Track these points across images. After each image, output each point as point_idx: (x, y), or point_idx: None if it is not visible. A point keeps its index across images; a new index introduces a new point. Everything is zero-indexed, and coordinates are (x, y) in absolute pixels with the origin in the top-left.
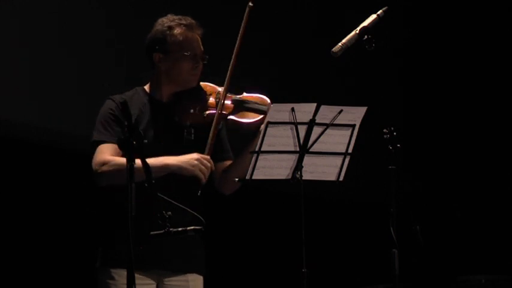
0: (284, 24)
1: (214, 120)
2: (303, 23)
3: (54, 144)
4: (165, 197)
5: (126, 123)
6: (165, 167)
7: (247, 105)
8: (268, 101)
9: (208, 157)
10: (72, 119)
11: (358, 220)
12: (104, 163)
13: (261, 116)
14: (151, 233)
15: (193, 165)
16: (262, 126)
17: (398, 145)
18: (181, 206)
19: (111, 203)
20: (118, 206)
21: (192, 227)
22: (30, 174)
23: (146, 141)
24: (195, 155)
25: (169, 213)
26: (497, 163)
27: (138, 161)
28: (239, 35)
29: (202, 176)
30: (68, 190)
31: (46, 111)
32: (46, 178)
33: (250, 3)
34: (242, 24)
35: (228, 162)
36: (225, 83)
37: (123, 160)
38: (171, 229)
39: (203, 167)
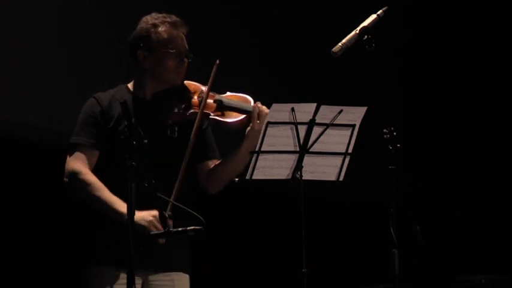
0: (284, 24)
1: (197, 120)
2: (303, 23)
3: (54, 144)
4: (165, 197)
5: (126, 123)
6: (119, 215)
7: (229, 104)
8: (251, 100)
9: (155, 212)
10: (72, 119)
11: (358, 220)
12: (76, 173)
13: (243, 116)
14: (151, 233)
15: (149, 221)
16: (263, 127)
17: (398, 145)
18: (181, 206)
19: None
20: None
21: (192, 227)
22: (30, 174)
23: (146, 141)
24: (152, 212)
25: (169, 213)
26: (497, 163)
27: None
28: (207, 87)
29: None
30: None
31: (46, 111)
32: (46, 178)
33: (218, 61)
34: (210, 80)
35: (214, 162)
36: (209, 83)
37: (93, 183)
38: (171, 229)
39: (156, 227)
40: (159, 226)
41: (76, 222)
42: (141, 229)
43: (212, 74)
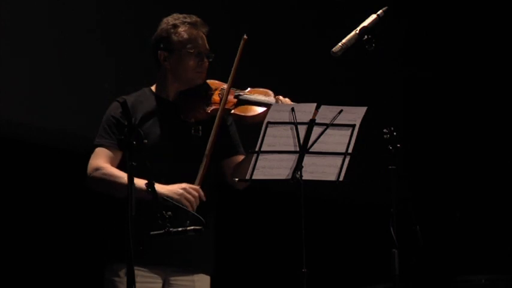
0: (284, 24)
1: (218, 116)
2: (303, 23)
3: (54, 144)
4: (165, 197)
5: (126, 123)
6: (140, 191)
7: (249, 99)
8: (272, 93)
9: (197, 187)
10: (72, 119)
11: (358, 220)
12: (97, 169)
13: (265, 109)
14: (152, 233)
15: (179, 194)
16: (263, 127)
17: (398, 145)
18: (181, 205)
19: (117, 201)
20: (123, 204)
21: (192, 227)
22: (30, 174)
23: (146, 141)
24: (182, 185)
25: (170, 213)
26: (497, 163)
27: (137, 182)
28: (233, 67)
29: (188, 205)
30: (68, 190)
31: (46, 111)
32: (46, 178)
33: (245, 36)
34: (237, 57)
35: (240, 157)
36: (228, 81)
37: (116, 172)
38: (171, 229)
39: (189, 196)
40: (195, 194)
41: (95, 219)
42: (174, 203)
43: (239, 49)
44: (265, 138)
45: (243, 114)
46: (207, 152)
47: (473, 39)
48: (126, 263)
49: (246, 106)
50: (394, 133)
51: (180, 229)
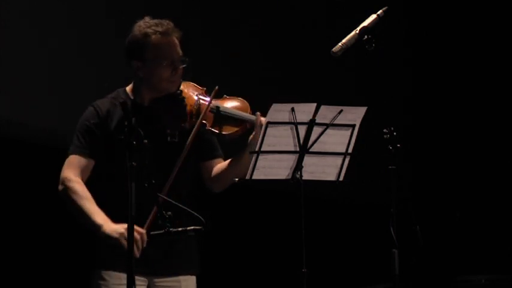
0: (284, 24)
1: (193, 131)
2: (303, 22)
3: (54, 144)
4: (165, 197)
5: (126, 123)
6: (96, 227)
7: (227, 113)
8: (248, 105)
9: (143, 231)
10: (72, 119)
11: (358, 220)
12: (65, 180)
13: (241, 126)
14: (152, 233)
15: (120, 233)
16: (263, 127)
17: (398, 145)
18: (181, 206)
19: (101, 205)
20: (108, 207)
21: (192, 227)
22: (30, 174)
23: (146, 141)
24: (125, 225)
25: (169, 213)
26: (497, 163)
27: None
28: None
29: (125, 245)
30: None
31: (46, 111)
32: (46, 178)
33: (217, 87)
34: (209, 99)
35: (218, 161)
36: (209, 99)
37: (79, 191)
38: (171, 229)
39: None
40: (136, 236)
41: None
42: (114, 242)
43: (211, 96)
44: (265, 138)
45: (219, 132)
46: (174, 171)
47: (473, 39)
48: (117, 265)
49: (223, 122)
50: (394, 133)
51: (180, 229)
